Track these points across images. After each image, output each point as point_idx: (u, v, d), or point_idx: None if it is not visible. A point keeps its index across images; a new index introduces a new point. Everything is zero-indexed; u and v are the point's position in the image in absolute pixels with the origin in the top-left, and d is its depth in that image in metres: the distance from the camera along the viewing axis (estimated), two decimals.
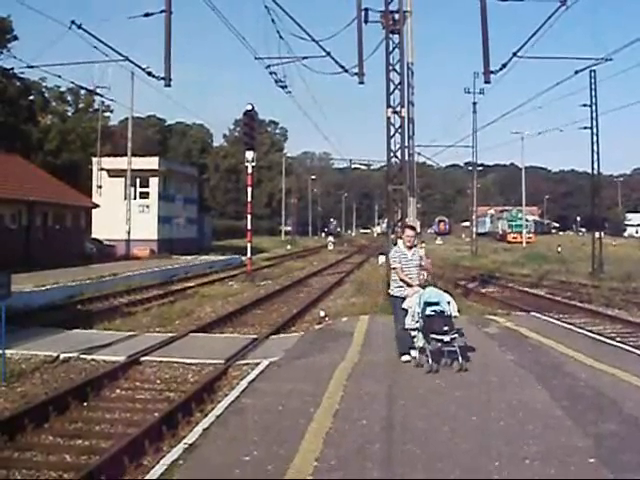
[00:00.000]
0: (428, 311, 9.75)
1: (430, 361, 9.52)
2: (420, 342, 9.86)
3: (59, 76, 41.79)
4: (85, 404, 9.40)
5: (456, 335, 9.66)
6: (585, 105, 36.61)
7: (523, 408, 7.68)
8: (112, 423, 8.62)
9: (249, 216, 31.20)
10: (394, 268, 10.46)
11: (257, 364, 10.93)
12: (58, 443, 7.85)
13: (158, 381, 10.86)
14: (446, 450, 6.29)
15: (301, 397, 8.30)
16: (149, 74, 18.70)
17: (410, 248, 10.40)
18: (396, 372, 9.74)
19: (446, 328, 9.59)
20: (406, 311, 10.08)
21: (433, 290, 10.15)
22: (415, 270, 10.41)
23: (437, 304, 9.84)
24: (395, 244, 18.98)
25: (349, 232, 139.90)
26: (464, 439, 6.60)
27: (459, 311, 17.14)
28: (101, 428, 8.43)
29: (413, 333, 9.98)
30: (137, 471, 6.84)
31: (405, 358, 10.23)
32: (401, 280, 10.33)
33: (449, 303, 9.89)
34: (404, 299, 10.22)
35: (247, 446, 6.41)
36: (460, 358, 9.63)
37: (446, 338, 9.56)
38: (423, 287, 10.35)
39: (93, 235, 42.65)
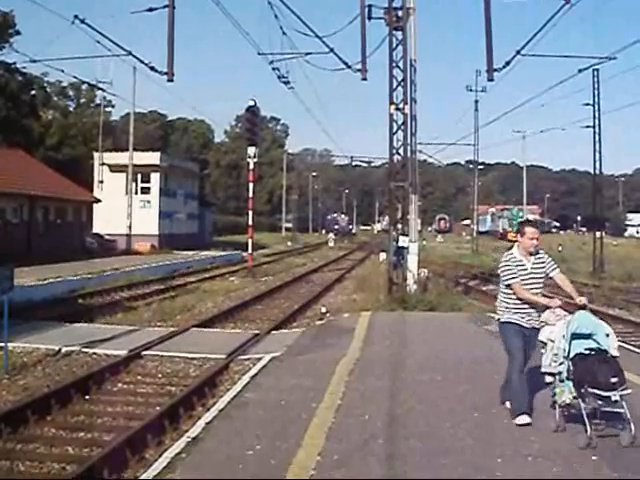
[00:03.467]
0: (579, 348, 6.52)
1: (589, 430, 6.16)
2: (566, 396, 6.48)
3: (62, 70, 41.78)
4: (87, 397, 9.42)
5: (628, 391, 6.34)
6: (587, 104, 36.63)
7: None
8: (114, 416, 8.64)
9: (250, 212, 31.22)
10: (508, 285, 7.12)
11: (259, 359, 10.96)
12: (60, 435, 7.87)
13: (160, 375, 10.89)
14: (449, 445, 6.29)
15: (303, 392, 8.30)
16: (152, 69, 18.75)
17: (530, 255, 7.16)
18: (397, 368, 9.73)
19: (615, 379, 6.24)
20: (528, 344, 7.08)
21: (585, 316, 6.67)
22: (539, 287, 7.16)
23: (590, 337, 6.58)
24: (396, 241, 19.17)
25: None
26: (466, 434, 6.61)
27: (460, 309, 17.43)
28: (103, 421, 8.44)
29: (549, 379, 6.80)
30: (139, 464, 6.85)
31: (524, 420, 6.83)
32: (527, 302, 7.04)
33: (608, 336, 6.61)
34: (525, 328, 7.07)
35: (250, 440, 6.42)
36: (633, 427, 6.19)
37: (614, 396, 6.19)
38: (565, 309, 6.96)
39: (94, 230, 42.62)
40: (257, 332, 14.59)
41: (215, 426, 7.11)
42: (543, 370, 6.79)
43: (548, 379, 6.80)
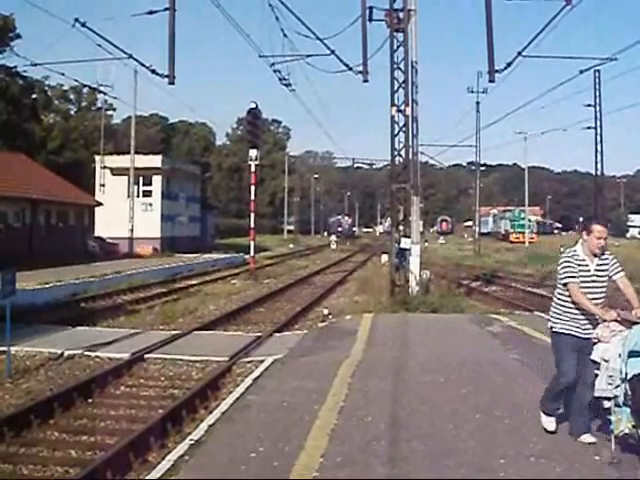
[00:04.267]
0: (638, 368, 5.63)
1: None
2: (624, 425, 5.64)
3: (62, 74, 41.67)
4: (90, 401, 9.42)
5: None
6: (589, 105, 36.74)
7: (527, 406, 7.66)
8: (117, 419, 8.65)
9: (252, 214, 31.23)
10: (565, 284, 6.30)
11: (261, 361, 10.95)
12: (63, 439, 7.87)
13: (162, 378, 10.89)
14: (451, 447, 6.29)
15: (306, 394, 8.30)
16: (153, 72, 18.77)
17: (595, 256, 6.29)
18: (400, 370, 9.73)
19: None
20: (584, 357, 6.19)
21: None
22: (601, 293, 6.33)
23: None
24: (398, 243, 19.16)
25: None
26: (469, 436, 6.60)
27: (462, 310, 17.42)
28: (106, 424, 8.44)
29: (607, 404, 5.88)
30: (143, 467, 6.86)
31: (551, 425, 6.50)
32: (582, 307, 6.20)
33: None
34: (581, 339, 6.27)
35: (253, 442, 6.42)
36: None
37: None
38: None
39: (96, 233, 42.69)
40: (259, 334, 14.58)
41: (218, 429, 7.11)
42: (597, 394, 5.94)
43: (605, 404, 5.89)
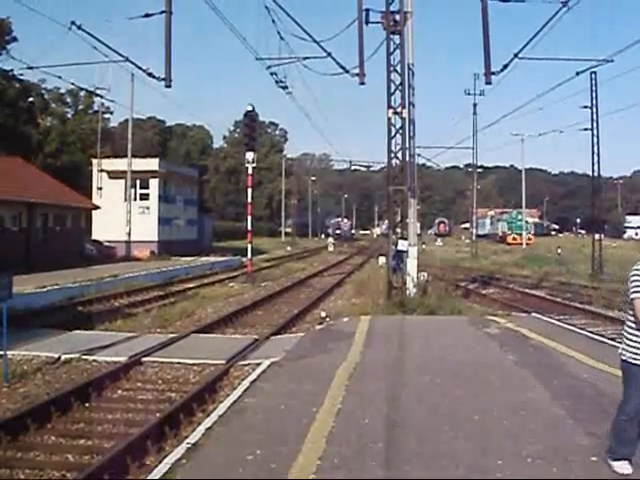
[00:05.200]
0: None
1: None
2: None
3: (59, 77, 41.61)
4: (87, 405, 9.40)
5: None
6: (585, 107, 36.69)
7: (524, 407, 7.69)
8: (114, 423, 8.62)
9: (249, 217, 31.22)
10: (632, 300, 5.37)
11: (258, 364, 10.94)
12: (61, 443, 7.85)
13: (160, 381, 10.87)
14: (448, 448, 6.30)
15: (303, 397, 8.30)
16: (149, 75, 18.78)
17: None
18: (397, 372, 9.73)
19: None
20: None
21: None
22: None
23: None
24: (395, 245, 19.16)
25: None
26: (466, 438, 6.61)
27: (460, 312, 17.44)
28: (103, 428, 8.42)
29: None
30: (140, 471, 6.84)
31: (625, 469, 5.54)
32: None
33: None
34: None
35: (250, 445, 6.42)
36: None
37: None
38: None
39: (93, 236, 42.65)
40: (257, 337, 14.57)
41: (215, 431, 7.11)
42: None
43: None
